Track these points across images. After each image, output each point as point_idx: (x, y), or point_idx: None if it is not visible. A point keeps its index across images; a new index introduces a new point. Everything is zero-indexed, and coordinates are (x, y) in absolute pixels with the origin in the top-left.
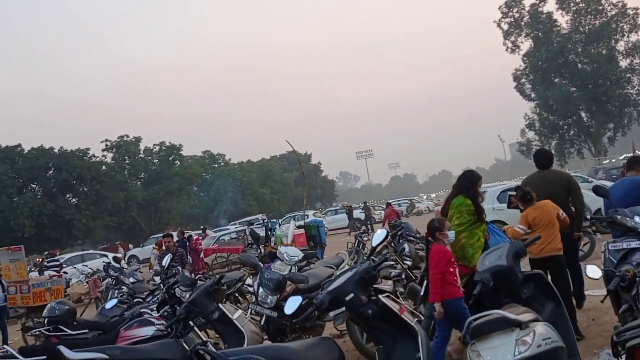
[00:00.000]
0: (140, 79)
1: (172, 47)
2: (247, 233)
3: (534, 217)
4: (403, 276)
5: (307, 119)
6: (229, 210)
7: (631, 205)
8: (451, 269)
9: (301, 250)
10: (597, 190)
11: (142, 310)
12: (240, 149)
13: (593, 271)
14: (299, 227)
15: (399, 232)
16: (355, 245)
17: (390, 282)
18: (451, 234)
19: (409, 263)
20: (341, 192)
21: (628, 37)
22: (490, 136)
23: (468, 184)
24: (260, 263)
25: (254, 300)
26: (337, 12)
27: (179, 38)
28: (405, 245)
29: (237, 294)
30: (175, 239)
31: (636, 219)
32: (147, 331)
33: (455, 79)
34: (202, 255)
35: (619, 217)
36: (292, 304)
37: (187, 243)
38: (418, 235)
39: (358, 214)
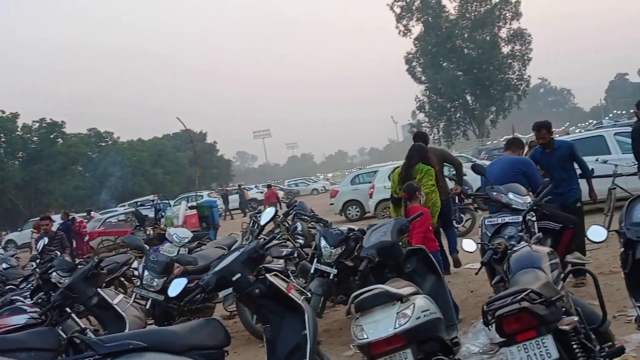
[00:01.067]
0: (16, 50)
1: (53, 17)
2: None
3: None
4: (295, 254)
5: (202, 97)
6: (117, 191)
7: (507, 182)
8: (430, 227)
9: (192, 232)
10: (475, 169)
11: (13, 297)
12: (130, 127)
13: (469, 245)
14: (191, 207)
15: (293, 211)
16: (250, 225)
17: (281, 261)
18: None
19: (301, 241)
20: (238, 172)
21: (510, 24)
22: (384, 117)
23: (425, 153)
24: (145, 245)
25: (139, 283)
26: None
27: (64, 8)
28: (298, 224)
29: (122, 279)
30: (60, 221)
31: (510, 195)
32: (19, 319)
33: (351, 60)
34: (86, 238)
35: (494, 193)
36: (176, 287)
37: (71, 226)
38: (312, 213)
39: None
